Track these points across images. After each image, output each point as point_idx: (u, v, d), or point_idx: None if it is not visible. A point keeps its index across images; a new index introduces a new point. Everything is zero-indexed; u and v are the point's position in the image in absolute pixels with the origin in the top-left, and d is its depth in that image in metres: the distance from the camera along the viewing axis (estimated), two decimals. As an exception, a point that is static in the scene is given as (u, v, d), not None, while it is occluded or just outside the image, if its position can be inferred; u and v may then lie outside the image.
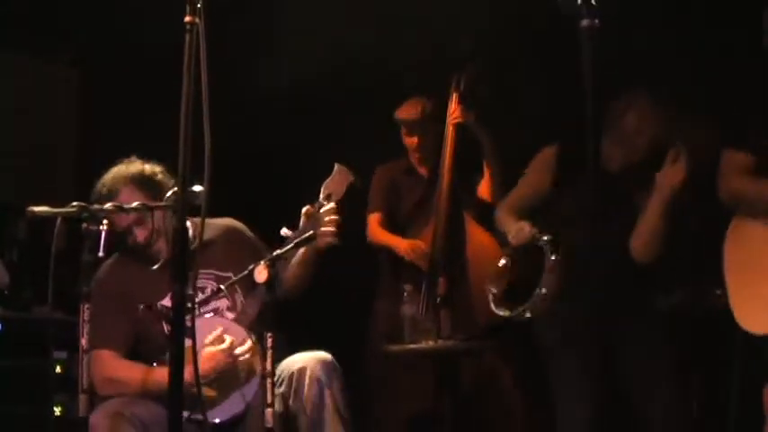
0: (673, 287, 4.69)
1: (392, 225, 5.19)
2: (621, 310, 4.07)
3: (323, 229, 3.52)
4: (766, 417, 3.88)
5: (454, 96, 5.01)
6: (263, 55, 5.43)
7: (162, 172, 3.83)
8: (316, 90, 5.39)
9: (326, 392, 3.62)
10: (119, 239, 3.73)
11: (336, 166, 3.69)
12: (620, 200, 4.17)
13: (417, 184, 5.22)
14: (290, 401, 3.63)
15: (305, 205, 3.62)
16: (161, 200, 3.60)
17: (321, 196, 3.60)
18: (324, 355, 3.73)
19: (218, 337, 3.65)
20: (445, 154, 4.98)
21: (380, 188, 5.22)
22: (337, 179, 3.65)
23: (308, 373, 3.63)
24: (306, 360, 3.68)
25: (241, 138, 5.33)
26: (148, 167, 3.83)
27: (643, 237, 4.07)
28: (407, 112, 5.15)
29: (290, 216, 3.64)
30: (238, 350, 3.63)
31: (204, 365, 3.52)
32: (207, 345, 3.61)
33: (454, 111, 4.98)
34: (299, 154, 5.50)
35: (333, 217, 3.54)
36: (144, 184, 3.76)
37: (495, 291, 4.23)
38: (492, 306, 4.17)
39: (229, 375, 3.62)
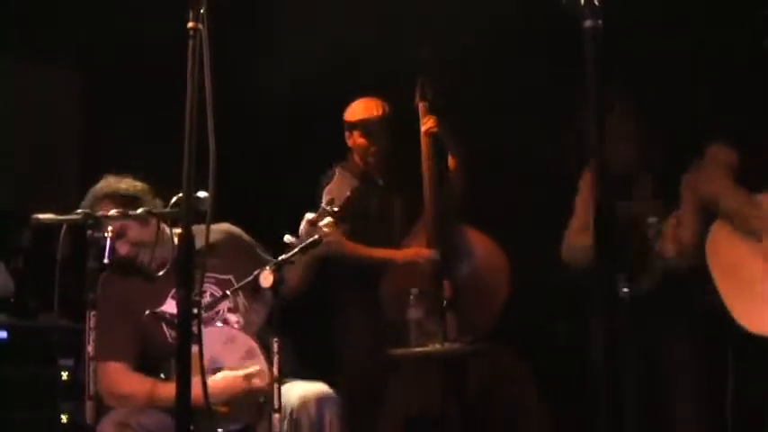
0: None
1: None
2: (660, 311, 4.12)
3: (323, 236, 3.53)
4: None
5: (422, 106, 5.01)
6: (263, 57, 5.42)
7: (143, 189, 3.84)
8: (316, 93, 5.37)
9: (326, 427, 3.63)
10: None
11: (338, 171, 3.68)
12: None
13: (374, 192, 5.11)
14: None
15: (305, 209, 3.61)
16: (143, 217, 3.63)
17: (324, 202, 3.60)
18: (322, 388, 3.73)
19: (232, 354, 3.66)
20: (424, 164, 4.96)
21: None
22: (339, 184, 3.64)
23: (306, 411, 3.62)
24: (304, 395, 3.67)
25: (240, 141, 5.33)
26: (129, 184, 3.83)
27: (686, 244, 4.11)
28: (368, 111, 5.05)
29: (291, 219, 3.63)
30: (257, 381, 3.62)
31: (219, 388, 3.54)
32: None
33: (428, 120, 4.97)
34: (299, 157, 5.48)
35: (330, 226, 3.54)
36: (119, 200, 3.74)
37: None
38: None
39: (245, 399, 3.62)
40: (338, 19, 5.17)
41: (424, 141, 4.99)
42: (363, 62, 5.31)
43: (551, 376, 4.87)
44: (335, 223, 3.57)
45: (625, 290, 4.09)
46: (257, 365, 3.65)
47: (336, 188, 3.63)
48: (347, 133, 5.11)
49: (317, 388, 3.73)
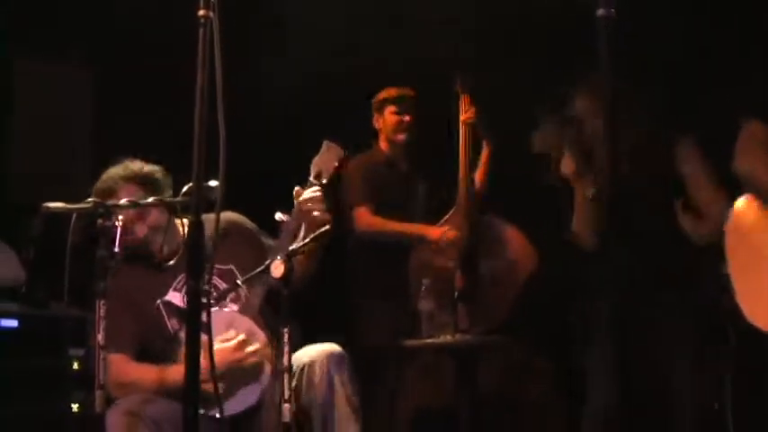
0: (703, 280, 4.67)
1: None
2: (650, 303, 4.09)
3: (315, 214, 3.52)
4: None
5: (464, 98, 5.07)
6: (268, 51, 5.42)
7: (159, 171, 3.84)
8: (324, 83, 5.38)
9: (337, 384, 3.63)
10: None
11: (325, 143, 3.65)
12: None
13: (398, 179, 5.20)
14: (302, 395, 3.62)
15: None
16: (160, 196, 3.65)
17: (311, 175, 3.58)
18: (332, 347, 3.73)
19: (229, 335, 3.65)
20: (461, 153, 5.03)
21: (366, 179, 5.11)
22: (326, 156, 3.62)
23: (317, 365, 3.63)
24: (315, 354, 3.68)
25: (249, 131, 5.33)
26: (147, 166, 3.83)
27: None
28: (401, 90, 5.17)
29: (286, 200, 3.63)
30: (249, 348, 3.63)
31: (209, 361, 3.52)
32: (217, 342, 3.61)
33: (468, 110, 4.99)
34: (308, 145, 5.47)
35: (317, 195, 3.54)
36: (142, 181, 3.77)
37: None
38: None
39: (237, 371, 3.60)
40: (340, 17, 5.20)
41: (462, 131, 5.05)
42: (368, 59, 5.34)
43: (568, 372, 4.85)
44: (324, 195, 3.56)
45: None
46: (257, 345, 3.64)
47: (323, 160, 3.61)
48: (376, 115, 5.23)
49: (328, 347, 3.73)
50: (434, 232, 4.97)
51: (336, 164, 3.62)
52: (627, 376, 3.60)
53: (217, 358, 3.52)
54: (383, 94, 5.19)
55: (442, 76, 5.15)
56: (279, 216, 3.57)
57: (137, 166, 3.83)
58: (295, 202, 3.59)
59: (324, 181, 3.58)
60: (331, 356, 3.67)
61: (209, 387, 3.11)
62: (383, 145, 5.23)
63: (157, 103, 5.29)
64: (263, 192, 4.90)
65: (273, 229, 3.67)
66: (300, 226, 3.58)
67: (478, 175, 5.12)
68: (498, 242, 4.93)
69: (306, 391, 3.62)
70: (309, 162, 3.63)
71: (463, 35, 5.23)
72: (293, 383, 3.51)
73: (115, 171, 3.81)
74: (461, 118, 5.06)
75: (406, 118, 5.14)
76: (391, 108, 5.16)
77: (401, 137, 5.15)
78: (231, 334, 3.64)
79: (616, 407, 3.91)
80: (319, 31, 5.30)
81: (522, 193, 4.87)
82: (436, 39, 5.22)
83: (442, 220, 5.00)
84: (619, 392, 3.82)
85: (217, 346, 3.58)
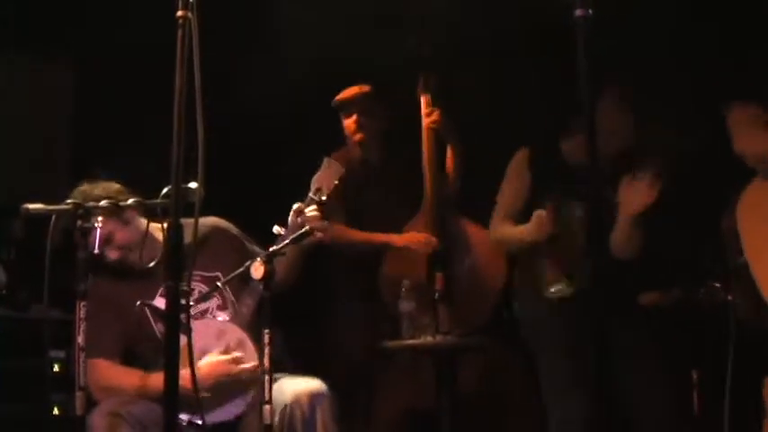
0: (670, 284, 4.68)
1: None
2: (615, 310, 4.09)
3: (310, 225, 3.53)
4: (766, 410, 3.87)
5: (424, 99, 5.03)
6: (259, 51, 5.41)
7: (114, 190, 3.74)
8: (313, 86, 5.37)
9: (318, 423, 3.61)
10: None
11: (326, 160, 3.68)
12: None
13: (372, 176, 5.14)
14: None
15: (296, 201, 3.61)
16: (125, 219, 3.71)
17: (311, 191, 3.59)
18: (315, 384, 3.71)
19: (226, 349, 3.65)
20: (425, 156, 4.98)
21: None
22: (327, 173, 3.64)
23: (298, 408, 3.61)
24: (298, 391, 3.66)
25: (237, 134, 5.33)
26: (100, 189, 3.74)
27: (617, 243, 4.08)
28: (348, 92, 5.13)
29: (283, 213, 3.63)
30: (244, 365, 3.62)
31: (205, 373, 3.53)
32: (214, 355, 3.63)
33: (431, 113, 4.98)
34: (295, 150, 5.47)
35: (316, 213, 3.54)
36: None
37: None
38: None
39: (231, 385, 3.61)
40: (337, 14, 5.18)
41: (425, 134, 5.00)
42: (363, 57, 5.32)
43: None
44: (322, 212, 3.57)
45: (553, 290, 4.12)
46: (251, 363, 3.63)
47: (324, 177, 3.64)
48: (341, 121, 5.18)
49: (311, 384, 3.71)
50: (400, 239, 4.95)
51: (336, 181, 3.64)
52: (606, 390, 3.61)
53: (210, 370, 3.55)
54: (334, 100, 5.17)
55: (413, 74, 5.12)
56: (276, 229, 3.58)
57: (92, 191, 3.72)
58: (291, 216, 3.60)
59: (323, 198, 3.60)
60: (313, 396, 3.65)
61: (192, 393, 3.10)
62: (352, 144, 5.19)
63: (140, 105, 5.27)
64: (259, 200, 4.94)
65: (266, 238, 3.67)
66: None
67: (449, 179, 5.07)
68: (468, 243, 4.91)
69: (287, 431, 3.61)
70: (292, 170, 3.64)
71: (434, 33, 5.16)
72: (275, 419, 3.49)
73: (83, 192, 3.73)
74: (424, 121, 5.01)
75: (352, 118, 5.10)
76: (343, 114, 5.16)
77: (357, 137, 5.12)
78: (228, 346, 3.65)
79: (597, 421, 3.94)
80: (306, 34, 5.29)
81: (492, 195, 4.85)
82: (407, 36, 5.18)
83: (408, 225, 4.98)
84: (600, 407, 3.85)
85: (212, 358, 3.60)
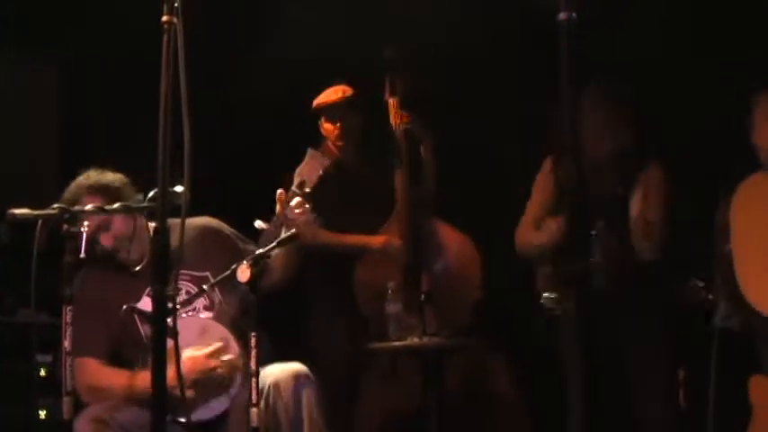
0: (676, 283, 4.70)
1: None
2: (622, 309, 4.12)
3: (293, 219, 3.53)
4: (753, 408, 3.88)
5: (392, 102, 4.99)
6: (244, 51, 5.42)
7: (121, 180, 3.83)
8: (298, 86, 5.38)
9: (304, 409, 3.62)
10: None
11: (309, 152, 3.67)
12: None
13: (347, 177, 5.09)
14: (266, 418, 3.59)
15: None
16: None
17: (294, 183, 3.59)
18: (298, 367, 3.72)
19: (204, 344, 3.65)
20: (397, 158, 4.96)
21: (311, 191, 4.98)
22: (310, 165, 3.62)
23: (282, 387, 3.63)
24: (280, 374, 3.67)
25: (226, 134, 5.34)
26: (109, 176, 3.83)
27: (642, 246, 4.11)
28: (326, 96, 5.10)
29: (267, 207, 3.63)
30: (224, 357, 3.63)
31: (186, 369, 3.51)
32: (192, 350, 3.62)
33: (400, 117, 4.96)
34: (283, 150, 5.47)
35: (302, 208, 3.54)
36: (102, 192, 3.75)
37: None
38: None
39: (210, 380, 3.61)
40: (318, 15, 5.18)
41: (396, 137, 4.98)
42: (339, 57, 5.33)
43: (529, 371, 4.88)
44: (306, 204, 3.56)
45: (546, 295, 4.14)
46: (231, 355, 3.64)
47: (307, 169, 3.62)
48: (319, 122, 5.16)
49: (294, 367, 3.72)
50: (376, 241, 4.94)
51: (321, 173, 3.63)
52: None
53: (191, 365, 3.55)
54: (314, 103, 5.13)
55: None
56: (258, 224, 3.58)
57: (98, 176, 3.82)
58: (277, 206, 3.60)
59: (307, 190, 3.59)
60: (297, 377, 3.67)
61: (178, 392, 3.11)
62: (330, 145, 5.17)
63: (126, 104, 5.26)
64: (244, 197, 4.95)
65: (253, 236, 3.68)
66: (281, 234, 3.58)
67: (423, 181, 5.05)
68: (443, 245, 4.91)
69: (270, 414, 3.61)
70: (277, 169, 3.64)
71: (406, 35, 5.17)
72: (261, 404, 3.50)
73: (78, 182, 3.81)
74: (393, 124, 4.98)
75: (336, 125, 5.09)
76: (322, 118, 5.13)
77: (340, 143, 5.11)
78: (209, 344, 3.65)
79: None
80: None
81: (469, 196, 4.86)
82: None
83: (383, 229, 4.97)
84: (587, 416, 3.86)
85: (192, 353, 3.60)
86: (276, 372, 3.69)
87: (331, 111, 5.10)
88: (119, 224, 3.77)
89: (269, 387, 3.62)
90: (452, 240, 4.91)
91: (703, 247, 3.99)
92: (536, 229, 4.43)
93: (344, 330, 4.96)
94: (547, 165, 4.45)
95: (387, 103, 5.02)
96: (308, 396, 3.64)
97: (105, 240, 3.76)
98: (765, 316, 3.40)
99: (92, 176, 3.82)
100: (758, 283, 3.46)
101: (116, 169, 3.90)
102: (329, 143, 5.15)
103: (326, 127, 5.13)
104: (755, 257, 3.49)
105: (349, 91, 5.10)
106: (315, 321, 5.07)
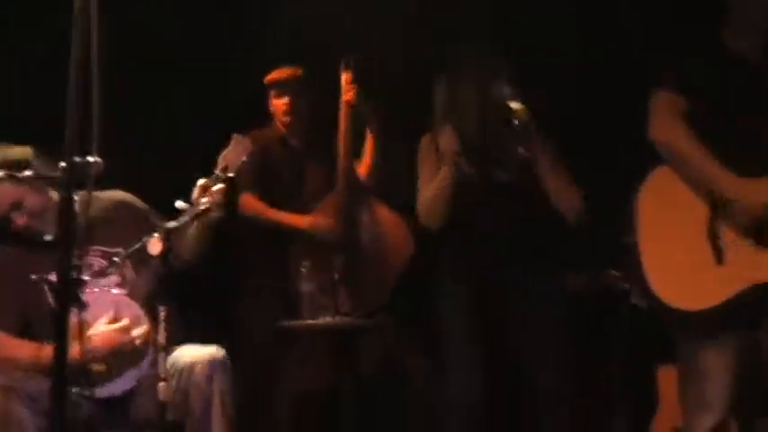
0: (580, 267, 4.76)
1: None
2: (517, 285, 4.14)
3: (210, 201, 3.52)
4: (661, 398, 3.95)
5: (345, 76, 4.98)
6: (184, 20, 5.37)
7: (28, 153, 3.74)
8: (233, 58, 5.36)
9: (216, 395, 3.63)
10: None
11: (234, 137, 3.67)
12: None
13: (292, 157, 5.14)
14: (178, 398, 3.60)
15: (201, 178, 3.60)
16: (37, 185, 3.64)
17: (218, 168, 3.58)
18: (214, 351, 3.73)
19: (115, 318, 3.63)
20: (340, 137, 4.94)
21: (253, 164, 4.87)
22: (235, 150, 3.63)
23: (196, 370, 3.63)
24: (196, 356, 3.68)
25: (142, 107, 5.28)
26: (16, 150, 3.74)
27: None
28: (278, 72, 5.13)
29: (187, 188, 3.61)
30: (135, 332, 3.61)
31: (96, 343, 3.50)
32: (102, 324, 3.59)
33: (349, 90, 4.96)
34: (208, 124, 5.43)
35: (219, 188, 3.53)
36: (7, 166, 3.66)
37: None
38: None
39: (123, 354, 3.59)
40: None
41: (342, 112, 4.96)
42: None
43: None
44: (228, 189, 3.56)
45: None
46: (142, 329, 3.63)
47: (231, 155, 3.63)
48: (269, 100, 5.18)
49: (209, 351, 3.72)
50: (306, 222, 4.93)
51: (244, 158, 3.63)
52: (491, 373, 3.65)
53: (101, 339, 3.53)
54: (266, 78, 5.16)
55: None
56: (179, 204, 3.56)
57: (7, 151, 3.73)
58: (195, 192, 3.58)
59: (230, 174, 3.58)
60: (212, 361, 3.67)
61: (88, 367, 3.09)
62: (278, 124, 5.19)
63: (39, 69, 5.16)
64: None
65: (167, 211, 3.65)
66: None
67: (362, 167, 5.06)
68: (375, 225, 4.92)
69: (182, 395, 3.62)
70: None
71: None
72: (173, 384, 3.49)
73: None
74: (342, 98, 4.97)
75: (285, 100, 5.10)
76: (272, 92, 5.15)
77: (285, 119, 5.12)
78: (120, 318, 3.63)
79: (481, 406, 3.99)
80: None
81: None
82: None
83: (317, 208, 4.97)
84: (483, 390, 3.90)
85: (102, 328, 3.57)
86: (193, 353, 3.70)
87: (281, 86, 5.12)
88: (31, 200, 3.72)
89: (183, 368, 3.62)
90: (389, 222, 4.91)
91: (612, 239, 4.02)
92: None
93: (275, 306, 4.94)
94: (425, 139, 4.41)
95: (339, 76, 5.01)
96: (221, 381, 3.65)
97: (19, 220, 3.71)
98: (674, 308, 3.42)
99: None
100: (664, 277, 3.47)
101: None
102: (276, 122, 5.17)
103: (275, 102, 5.15)
104: (661, 251, 3.50)
105: (298, 71, 5.13)
106: (243, 303, 5.05)
